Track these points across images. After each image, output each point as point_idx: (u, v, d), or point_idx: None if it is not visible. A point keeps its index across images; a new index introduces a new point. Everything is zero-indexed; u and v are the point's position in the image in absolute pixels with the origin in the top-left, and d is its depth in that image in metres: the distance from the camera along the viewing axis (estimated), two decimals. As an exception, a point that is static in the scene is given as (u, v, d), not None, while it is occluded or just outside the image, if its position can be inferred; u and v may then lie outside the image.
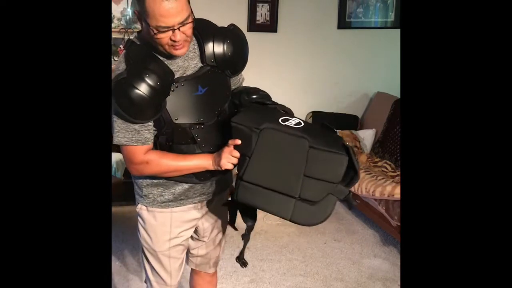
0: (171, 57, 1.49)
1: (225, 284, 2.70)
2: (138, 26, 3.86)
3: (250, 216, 1.60)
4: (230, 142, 1.46)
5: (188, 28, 1.42)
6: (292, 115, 1.52)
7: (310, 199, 1.37)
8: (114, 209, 3.22)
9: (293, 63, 4.31)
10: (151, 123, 1.49)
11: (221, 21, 1.72)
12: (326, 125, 1.50)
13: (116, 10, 3.85)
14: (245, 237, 1.64)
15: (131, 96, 1.39)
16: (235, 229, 1.72)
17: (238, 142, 1.43)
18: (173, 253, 1.70)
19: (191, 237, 1.79)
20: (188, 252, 1.84)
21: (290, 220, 1.41)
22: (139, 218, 1.69)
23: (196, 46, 1.56)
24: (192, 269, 1.94)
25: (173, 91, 1.49)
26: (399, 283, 2.72)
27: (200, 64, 1.55)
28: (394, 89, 4.25)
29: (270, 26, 4.13)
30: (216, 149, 1.54)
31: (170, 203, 1.63)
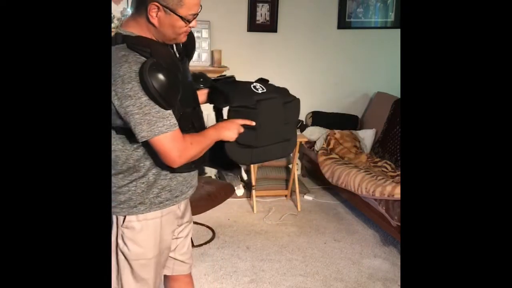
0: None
1: (225, 284, 2.70)
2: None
3: (233, 169, 1.86)
4: (247, 122, 1.64)
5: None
6: (248, 82, 1.78)
7: (288, 138, 1.82)
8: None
9: (293, 63, 4.32)
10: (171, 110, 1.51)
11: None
12: (262, 79, 1.84)
13: (116, 10, 3.84)
14: (236, 171, 1.89)
15: (168, 79, 1.40)
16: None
17: (253, 123, 1.66)
18: (159, 258, 1.65)
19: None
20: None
21: (282, 156, 1.97)
22: (125, 232, 1.58)
23: None
24: (166, 278, 1.85)
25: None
26: (399, 283, 2.72)
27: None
28: (394, 89, 4.26)
29: (270, 26, 4.13)
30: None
31: (167, 202, 1.60)
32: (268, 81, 1.82)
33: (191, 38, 1.65)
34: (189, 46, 1.68)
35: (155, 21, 1.46)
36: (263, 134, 1.71)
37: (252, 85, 1.74)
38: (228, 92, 1.71)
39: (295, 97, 1.81)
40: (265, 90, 1.73)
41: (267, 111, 1.71)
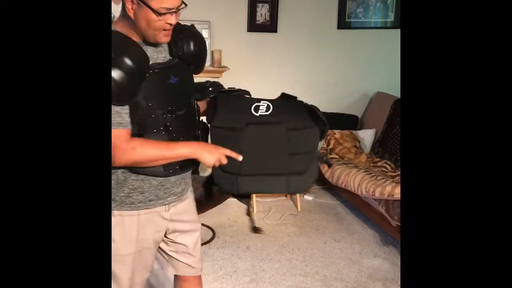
0: (149, 44, 1.54)
1: (225, 284, 2.70)
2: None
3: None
4: (233, 155, 1.52)
5: (178, 15, 1.49)
6: (255, 100, 1.66)
7: (298, 172, 1.56)
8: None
9: (293, 63, 4.32)
10: (127, 108, 1.47)
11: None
12: (286, 95, 1.66)
13: (116, 10, 3.84)
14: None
15: (118, 76, 1.40)
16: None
17: (240, 158, 1.52)
18: (138, 256, 1.65)
19: (166, 242, 1.75)
20: (168, 258, 1.80)
21: (288, 193, 1.61)
22: None
23: None
24: (175, 276, 1.88)
25: (147, 76, 1.49)
26: (399, 283, 2.72)
27: (168, 57, 1.61)
28: (394, 89, 4.25)
29: (270, 26, 4.13)
30: (187, 139, 1.57)
31: (139, 204, 1.58)
32: (295, 98, 1.65)
33: (197, 45, 1.62)
34: (199, 55, 1.65)
35: (131, 14, 1.47)
36: (249, 162, 1.54)
37: (256, 104, 1.60)
38: (219, 107, 1.61)
39: (313, 124, 1.60)
40: (267, 112, 1.58)
41: (257, 136, 1.56)
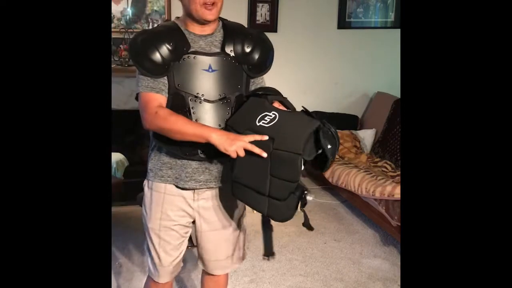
0: (201, 23, 1.63)
1: (225, 284, 2.70)
2: (138, 26, 3.87)
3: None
4: (257, 137, 1.47)
5: None
6: (285, 107, 1.62)
7: (277, 198, 1.47)
8: (114, 209, 3.22)
9: (293, 63, 4.31)
10: (164, 80, 1.62)
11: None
12: (305, 111, 1.58)
13: (116, 10, 3.84)
14: (267, 229, 1.66)
15: (141, 47, 1.61)
16: (311, 228, 1.66)
17: (266, 137, 1.47)
18: (163, 235, 1.72)
19: (196, 236, 1.79)
20: (198, 252, 1.85)
21: (268, 216, 1.55)
22: (143, 193, 1.77)
23: (221, 37, 1.68)
24: (203, 271, 1.92)
25: (184, 60, 1.62)
26: (399, 283, 2.72)
27: (217, 50, 1.67)
28: (394, 89, 4.26)
29: (270, 26, 4.13)
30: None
31: (168, 178, 1.69)
32: (312, 116, 1.52)
33: (249, 47, 1.68)
34: (252, 56, 1.69)
35: None
36: (240, 169, 1.51)
37: (264, 113, 1.54)
38: (240, 109, 1.62)
39: (295, 152, 1.42)
40: (268, 125, 1.50)
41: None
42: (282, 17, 4.16)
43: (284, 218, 1.50)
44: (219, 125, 1.63)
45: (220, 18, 1.71)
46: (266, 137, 1.47)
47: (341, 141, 4.02)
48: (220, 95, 1.65)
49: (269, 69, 1.78)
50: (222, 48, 1.66)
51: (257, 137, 1.47)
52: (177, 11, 2.52)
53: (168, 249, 1.74)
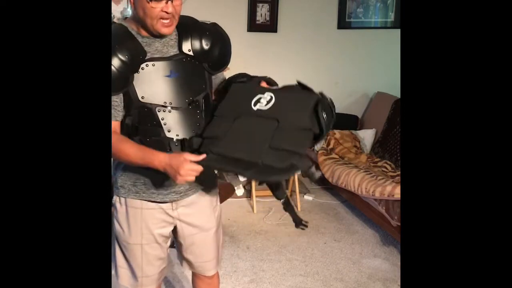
0: (154, 36, 1.53)
1: (225, 284, 2.69)
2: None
3: (278, 190, 1.63)
4: (192, 157, 1.44)
5: (179, 4, 1.50)
6: (271, 85, 1.59)
7: (271, 165, 1.41)
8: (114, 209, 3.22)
9: (293, 63, 4.31)
10: (116, 99, 1.51)
11: (221, 21, 1.73)
12: (302, 85, 1.56)
13: (116, 10, 3.84)
14: (288, 206, 1.67)
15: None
16: (305, 226, 1.72)
17: (200, 158, 1.44)
18: (147, 248, 1.68)
19: (177, 240, 1.77)
20: (183, 255, 1.83)
21: (248, 177, 1.55)
22: (113, 210, 1.69)
23: (176, 36, 1.60)
24: (193, 273, 1.92)
25: (142, 69, 1.51)
26: (399, 283, 2.72)
27: (176, 52, 1.59)
28: (394, 89, 4.25)
29: (270, 26, 4.13)
30: (184, 136, 1.55)
31: (143, 194, 1.62)
32: (309, 89, 1.55)
33: (208, 42, 1.59)
34: (212, 53, 1.61)
35: (132, 5, 1.51)
36: (231, 143, 1.47)
37: (259, 96, 1.52)
38: (225, 97, 1.58)
39: (310, 127, 1.43)
40: (267, 107, 1.48)
41: (245, 127, 1.49)
42: (282, 17, 4.16)
43: (267, 179, 1.49)
44: (193, 131, 1.56)
45: None
46: (203, 156, 1.44)
47: (341, 141, 4.02)
48: (187, 99, 1.57)
49: (228, 64, 1.70)
50: (179, 48, 1.57)
51: (198, 158, 1.44)
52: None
53: (152, 259, 1.71)
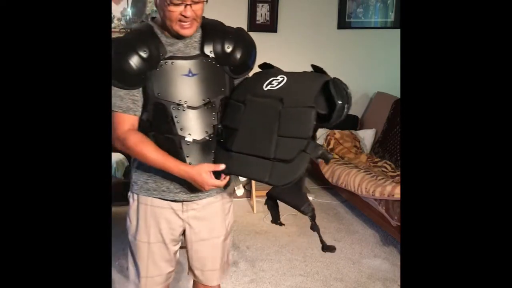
0: (177, 37, 1.56)
1: (225, 284, 2.69)
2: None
3: (301, 200, 1.60)
4: (213, 167, 1.51)
5: (199, 8, 1.51)
6: (272, 73, 1.60)
7: (284, 158, 1.40)
8: (114, 209, 3.22)
9: (293, 63, 4.29)
10: (137, 94, 1.54)
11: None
12: (317, 68, 1.55)
13: (116, 10, 3.85)
14: (315, 227, 1.67)
15: (115, 59, 1.47)
16: (281, 224, 1.72)
17: (221, 167, 1.50)
18: (153, 247, 1.67)
19: (186, 245, 1.75)
20: (188, 261, 1.79)
21: (269, 182, 1.45)
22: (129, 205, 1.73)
23: (200, 37, 1.61)
24: (194, 282, 1.87)
25: (162, 66, 1.54)
26: (399, 283, 2.72)
27: (197, 53, 1.60)
28: (394, 89, 4.26)
29: (270, 26, 4.13)
30: (195, 136, 1.55)
31: (154, 191, 1.63)
32: (323, 72, 1.53)
33: (230, 46, 1.60)
34: (234, 57, 1.61)
35: (156, 6, 1.56)
36: (241, 138, 1.49)
37: (272, 78, 1.55)
38: (241, 83, 1.62)
39: (308, 106, 1.40)
40: (277, 87, 1.49)
41: (255, 111, 1.49)
42: (282, 17, 4.16)
43: (288, 181, 1.42)
44: (206, 132, 1.56)
45: None
46: (223, 166, 1.49)
47: (341, 141, 4.02)
48: (203, 100, 1.57)
49: (252, 69, 1.71)
50: (201, 49, 1.58)
51: (218, 167, 1.50)
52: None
53: (157, 260, 1.69)
